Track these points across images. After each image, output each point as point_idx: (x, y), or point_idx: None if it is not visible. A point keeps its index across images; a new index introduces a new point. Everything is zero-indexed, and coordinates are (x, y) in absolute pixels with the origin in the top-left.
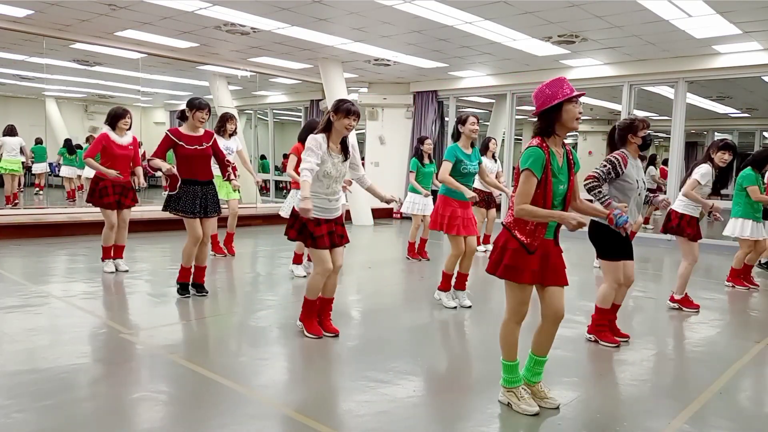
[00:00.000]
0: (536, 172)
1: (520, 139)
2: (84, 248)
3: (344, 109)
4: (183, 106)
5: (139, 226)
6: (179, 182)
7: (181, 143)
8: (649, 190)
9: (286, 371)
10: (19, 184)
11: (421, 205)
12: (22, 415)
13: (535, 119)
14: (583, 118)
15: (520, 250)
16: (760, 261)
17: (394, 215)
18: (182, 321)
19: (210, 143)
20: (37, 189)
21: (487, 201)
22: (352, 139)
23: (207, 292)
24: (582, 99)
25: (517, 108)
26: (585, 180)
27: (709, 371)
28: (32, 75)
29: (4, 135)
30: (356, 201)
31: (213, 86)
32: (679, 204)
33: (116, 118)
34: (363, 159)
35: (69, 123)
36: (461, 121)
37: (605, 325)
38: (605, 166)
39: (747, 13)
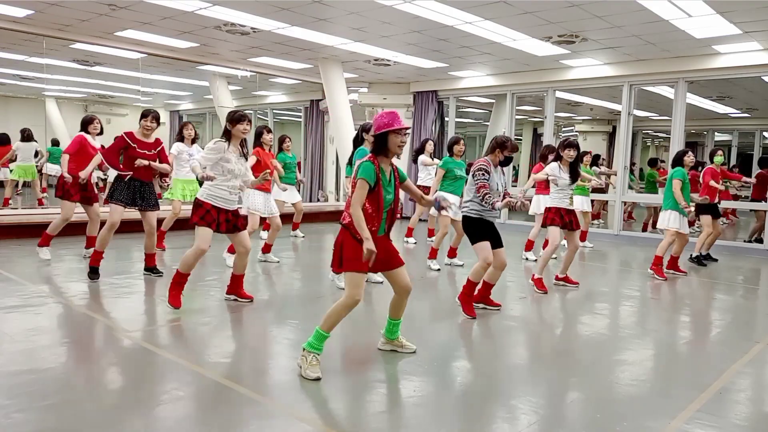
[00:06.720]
0: (369, 181)
1: (520, 139)
2: (84, 248)
3: (236, 118)
4: (183, 106)
5: (137, 227)
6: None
7: (134, 146)
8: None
9: (287, 371)
10: (33, 186)
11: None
12: (22, 415)
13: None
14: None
15: (356, 244)
16: (690, 255)
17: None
18: (182, 321)
19: (158, 150)
20: (44, 194)
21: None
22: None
23: (162, 273)
24: (581, 99)
25: (517, 108)
26: (480, 190)
27: (709, 371)
28: (32, 75)
29: (21, 140)
30: None
31: (213, 86)
32: (548, 201)
33: (86, 123)
34: None
35: (69, 123)
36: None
37: (470, 296)
38: (483, 174)
39: (747, 13)
